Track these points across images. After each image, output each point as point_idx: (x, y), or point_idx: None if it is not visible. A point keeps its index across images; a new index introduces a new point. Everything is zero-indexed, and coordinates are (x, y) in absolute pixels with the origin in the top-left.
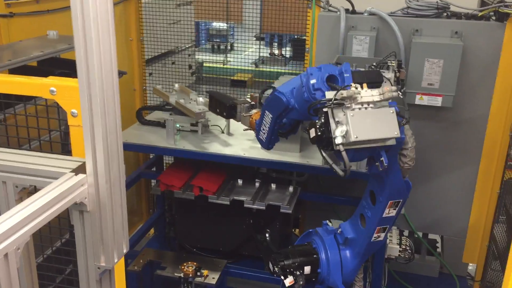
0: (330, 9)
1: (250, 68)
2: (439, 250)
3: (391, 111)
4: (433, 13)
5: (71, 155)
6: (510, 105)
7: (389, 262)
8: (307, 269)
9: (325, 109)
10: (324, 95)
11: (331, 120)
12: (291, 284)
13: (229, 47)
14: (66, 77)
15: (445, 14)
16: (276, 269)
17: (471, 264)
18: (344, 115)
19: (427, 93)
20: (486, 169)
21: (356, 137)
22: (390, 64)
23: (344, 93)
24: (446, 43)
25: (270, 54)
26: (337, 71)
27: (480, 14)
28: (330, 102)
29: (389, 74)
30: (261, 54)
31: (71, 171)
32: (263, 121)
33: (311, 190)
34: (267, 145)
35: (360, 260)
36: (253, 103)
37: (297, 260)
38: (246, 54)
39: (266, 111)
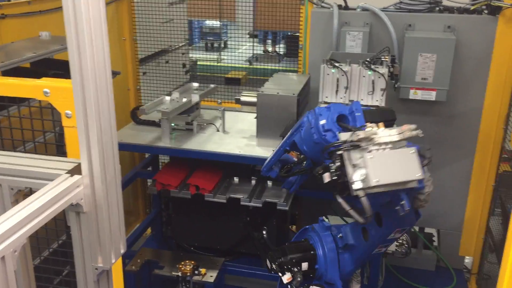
0: (323, 6)
1: (244, 65)
2: (435, 244)
3: (412, 151)
4: (425, 8)
5: (66, 156)
6: (504, 98)
7: (386, 256)
8: (304, 265)
9: (339, 152)
10: (335, 136)
11: (346, 163)
12: (289, 280)
13: (222, 45)
14: (59, 78)
15: (437, 8)
16: (273, 266)
17: (467, 257)
18: (362, 157)
19: (421, 88)
20: (481, 162)
21: (377, 181)
22: (383, 59)
23: (361, 134)
24: (439, 38)
25: (264, 51)
26: (348, 110)
27: (472, 7)
28: (346, 144)
29: (383, 70)
30: (255, 52)
31: (66, 173)
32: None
33: (308, 187)
34: (266, 170)
35: (358, 265)
36: None
37: (294, 256)
38: (240, 51)
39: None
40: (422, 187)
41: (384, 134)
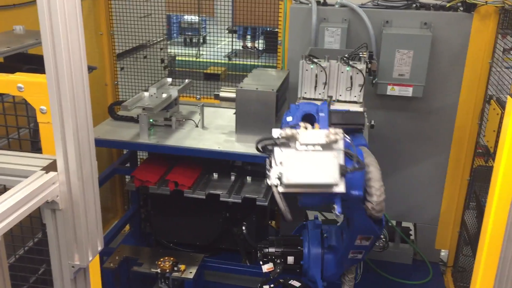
0: (301, 1)
1: (223, 61)
2: (412, 237)
3: (334, 156)
4: (402, 5)
5: (41, 152)
6: (478, 94)
7: None
8: (290, 259)
9: (270, 147)
10: None
11: (272, 160)
12: (268, 270)
13: (201, 40)
14: (34, 73)
15: (414, 5)
16: (259, 254)
17: (443, 250)
18: (284, 155)
19: (398, 84)
20: (456, 157)
21: (289, 180)
22: (361, 55)
23: (287, 131)
24: (415, 34)
25: (243, 47)
26: (315, 110)
27: (448, 5)
28: (272, 141)
29: (361, 66)
30: (234, 47)
31: (41, 169)
32: None
33: None
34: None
35: (340, 269)
36: None
37: (281, 249)
38: (219, 47)
39: None
40: (357, 195)
41: (310, 135)
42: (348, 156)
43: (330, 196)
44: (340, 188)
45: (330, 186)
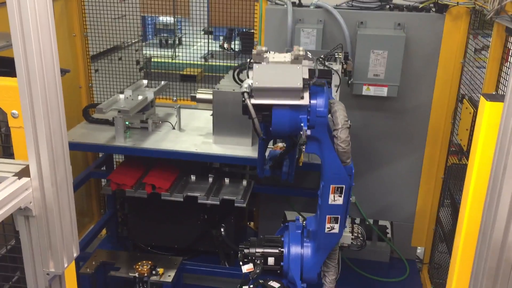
0: (277, 2)
1: (199, 62)
2: (389, 235)
3: (298, 67)
4: (376, 6)
5: (13, 158)
6: (451, 93)
7: (342, 250)
8: (270, 260)
9: (244, 71)
10: None
11: (247, 78)
12: (248, 271)
13: (177, 42)
14: (4, 77)
15: (388, 6)
16: (239, 255)
17: (419, 248)
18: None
19: (373, 84)
20: (430, 155)
21: (257, 84)
22: (337, 56)
23: (256, 50)
24: (389, 35)
25: (220, 46)
26: None
27: (420, 6)
28: (247, 63)
29: (336, 66)
30: (210, 48)
31: (13, 175)
32: None
33: (265, 183)
34: (260, 172)
35: (321, 254)
36: None
37: (261, 250)
38: (195, 48)
39: None
40: (322, 111)
41: (278, 55)
42: (311, 72)
43: (297, 114)
44: (305, 101)
45: (296, 92)
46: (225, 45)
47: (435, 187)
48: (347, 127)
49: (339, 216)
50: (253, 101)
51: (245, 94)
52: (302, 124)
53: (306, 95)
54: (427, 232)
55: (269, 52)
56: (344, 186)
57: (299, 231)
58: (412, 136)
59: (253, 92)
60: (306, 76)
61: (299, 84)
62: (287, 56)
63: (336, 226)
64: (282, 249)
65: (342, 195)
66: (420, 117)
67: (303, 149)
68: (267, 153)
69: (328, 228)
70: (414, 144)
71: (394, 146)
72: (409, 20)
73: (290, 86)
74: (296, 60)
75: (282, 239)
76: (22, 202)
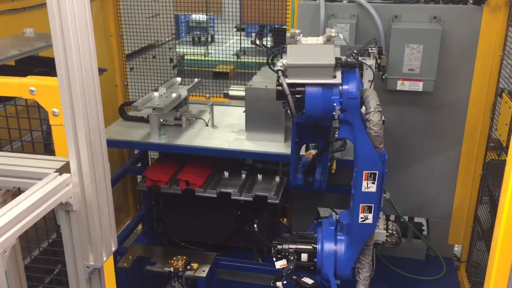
0: None
1: (231, 59)
2: (425, 233)
3: (331, 47)
4: None
5: (54, 155)
6: (490, 88)
7: (377, 247)
8: (304, 257)
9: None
10: None
11: (280, 60)
12: (281, 267)
13: (209, 39)
14: (45, 76)
15: None
16: (272, 251)
17: (456, 245)
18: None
19: (408, 79)
20: (468, 151)
21: (291, 61)
22: (370, 51)
23: (289, 35)
24: (425, 28)
25: (252, 42)
26: None
27: None
28: (282, 46)
29: (370, 61)
30: (243, 45)
31: (55, 171)
32: None
33: None
34: (292, 180)
35: (355, 248)
36: None
37: (294, 246)
38: (227, 45)
39: None
40: (355, 95)
41: (311, 39)
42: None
43: (330, 94)
44: (337, 80)
45: (329, 67)
46: (257, 41)
47: (473, 184)
48: (379, 111)
49: (372, 205)
50: (287, 80)
51: (279, 72)
52: (334, 104)
53: (339, 74)
54: (465, 230)
55: (302, 36)
56: (377, 172)
57: (333, 228)
58: (448, 132)
59: (287, 71)
60: (338, 55)
61: (332, 61)
62: (319, 39)
63: (370, 216)
64: (315, 246)
65: (376, 182)
66: (457, 112)
67: (335, 156)
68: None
69: (362, 218)
70: (450, 139)
71: (430, 142)
72: (446, 13)
73: (323, 63)
74: (328, 41)
75: (315, 235)
76: (63, 197)
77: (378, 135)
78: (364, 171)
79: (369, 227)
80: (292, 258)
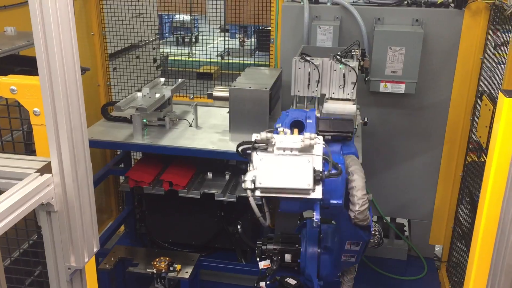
0: (293, 0)
1: (216, 60)
2: (406, 233)
3: (307, 161)
4: (394, 2)
5: (35, 155)
6: (470, 90)
7: None
8: (288, 257)
9: (248, 151)
10: None
11: (250, 164)
12: (265, 267)
13: (193, 40)
14: (26, 75)
15: (405, 2)
16: (256, 251)
17: (437, 246)
18: (260, 159)
19: (391, 81)
20: (449, 152)
21: (260, 184)
22: (354, 53)
23: (261, 136)
24: (407, 31)
25: (240, 41)
26: (304, 117)
27: (439, 1)
28: (250, 145)
29: (353, 63)
30: (227, 46)
31: (36, 171)
32: None
33: None
34: None
35: (337, 269)
36: None
37: (278, 247)
38: (211, 46)
39: None
40: (336, 203)
41: (285, 139)
42: (326, 161)
43: (308, 203)
44: (317, 194)
45: (305, 191)
46: (244, 40)
47: (454, 185)
48: (366, 207)
49: (355, 255)
50: (258, 193)
51: (249, 192)
52: (313, 214)
53: (319, 188)
54: (446, 230)
55: (277, 132)
56: (360, 242)
57: (317, 229)
58: (430, 133)
59: (257, 189)
60: (319, 167)
61: (308, 185)
62: (296, 141)
63: (353, 259)
64: (299, 246)
65: (359, 246)
66: (438, 114)
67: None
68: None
69: (344, 259)
70: (432, 141)
71: (412, 143)
72: (428, 16)
73: (298, 187)
74: (307, 148)
75: (299, 236)
76: (44, 197)
77: (364, 223)
78: (347, 241)
79: (352, 263)
80: (276, 258)
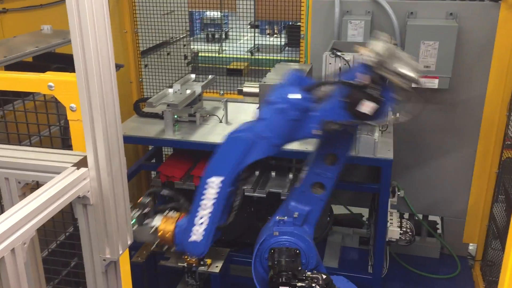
0: None
1: (245, 56)
2: (439, 231)
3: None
4: None
5: (71, 149)
6: (507, 85)
7: (390, 245)
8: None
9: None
10: (310, 98)
11: (386, 74)
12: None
13: (223, 36)
14: (62, 72)
15: None
16: None
17: (471, 244)
18: (395, 64)
19: (424, 76)
20: (484, 149)
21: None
22: None
23: (383, 49)
24: (441, 25)
25: (268, 34)
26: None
27: None
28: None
29: None
30: (257, 42)
31: (72, 165)
32: (201, 202)
33: None
34: (205, 245)
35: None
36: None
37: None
38: (241, 42)
39: (211, 178)
40: None
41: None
42: None
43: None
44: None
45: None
46: (276, 32)
47: (489, 182)
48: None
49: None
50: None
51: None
52: None
53: None
54: (480, 229)
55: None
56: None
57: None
58: (464, 129)
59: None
60: None
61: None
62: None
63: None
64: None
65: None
66: (473, 109)
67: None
68: None
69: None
70: (466, 137)
71: (445, 140)
72: (462, 10)
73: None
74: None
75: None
76: (80, 191)
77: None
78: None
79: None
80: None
